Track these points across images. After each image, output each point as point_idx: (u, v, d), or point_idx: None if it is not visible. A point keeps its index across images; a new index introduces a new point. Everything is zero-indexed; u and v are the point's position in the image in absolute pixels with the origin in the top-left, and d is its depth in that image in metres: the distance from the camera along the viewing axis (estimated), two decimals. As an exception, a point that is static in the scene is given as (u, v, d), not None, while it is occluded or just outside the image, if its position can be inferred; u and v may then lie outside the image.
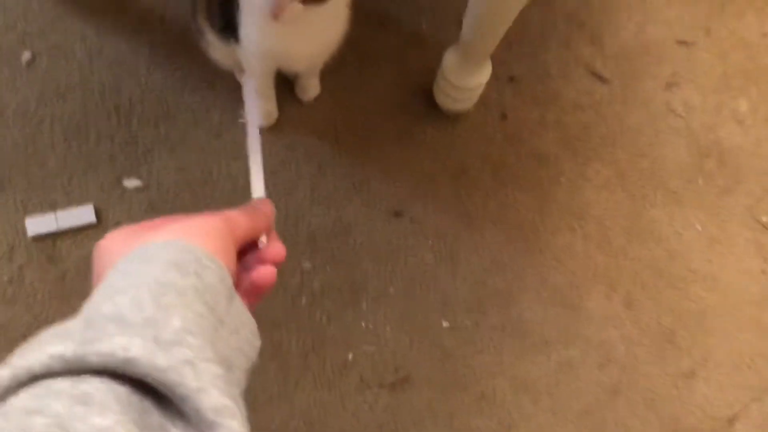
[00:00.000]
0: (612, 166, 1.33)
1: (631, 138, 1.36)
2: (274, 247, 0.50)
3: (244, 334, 0.42)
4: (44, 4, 1.27)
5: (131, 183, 1.18)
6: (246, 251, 0.48)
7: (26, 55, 1.23)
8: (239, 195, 1.20)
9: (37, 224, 1.13)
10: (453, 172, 1.28)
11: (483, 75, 1.19)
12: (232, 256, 0.44)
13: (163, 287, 0.37)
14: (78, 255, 1.13)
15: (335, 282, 1.17)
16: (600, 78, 1.39)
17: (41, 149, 1.18)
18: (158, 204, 1.18)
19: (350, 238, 1.21)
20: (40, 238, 1.13)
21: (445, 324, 1.18)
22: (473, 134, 1.31)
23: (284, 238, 1.15)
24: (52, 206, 1.15)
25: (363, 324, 1.16)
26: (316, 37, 1.00)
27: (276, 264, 0.48)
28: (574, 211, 1.29)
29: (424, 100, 1.32)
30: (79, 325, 0.34)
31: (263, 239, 0.49)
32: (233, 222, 0.46)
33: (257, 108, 0.64)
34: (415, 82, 1.33)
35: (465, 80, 1.19)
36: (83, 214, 1.15)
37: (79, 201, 1.16)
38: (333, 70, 1.27)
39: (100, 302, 0.36)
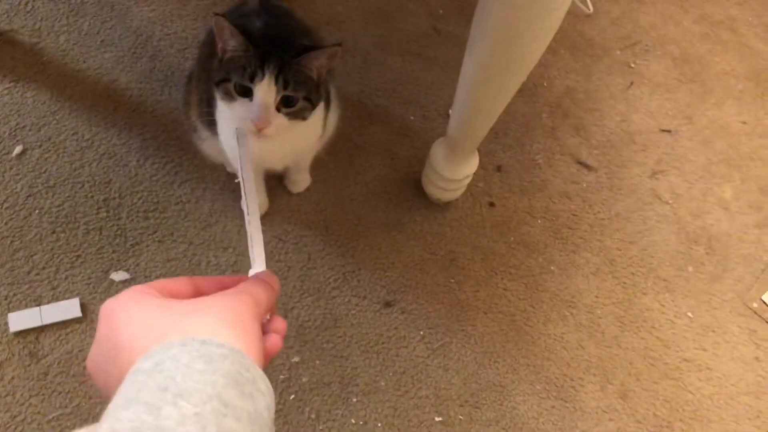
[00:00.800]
0: (602, 254, 1.33)
1: (620, 225, 1.37)
2: (277, 320, 0.52)
3: None
4: (38, 100, 1.29)
5: (119, 276, 1.17)
6: None
7: (18, 149, 1.24)
8: (228, 287, 1.19)
9: (21, 319, 1.11)
10: (443, 262, 1.28)
11: (470, 166, 1.21)
12: (257, 336, 0.44)
13: (225, 407, 0.36)
14: (62, 350, 1.11)
15: (324, 376, 1.15)
16: (586, 167, 1.41)
17: (28, 242, 1.17)
18: (145, 297, 1.16)
19: (340, 330, 1.19)
20: (22, 334, 1.11)
21: (437, 419, 1.15)
22: (462, 223, 1.32)
23: (273, 334, 1.13)
24: (37, 300, 1.13)
25: (353, 420, 1.12)
26: (288, 145, 1.01)
27: (281, 341, 0.51)
28: (566, 299, 1.28)
29: (413, 189, 1.33)
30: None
31: (266, 317, 0.52)
32: (259, 302, 0.47)
33: (253, 183, 0.65)
34: (404, 172, 1.34)
35: (452, 172, 1.20)
36: (69, 309, 1.13)
37: (64, 295, 1.14)
38: (323, 162, 1.29)
39: (159, 403, 0.34)
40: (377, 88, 1.43)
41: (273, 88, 0.86)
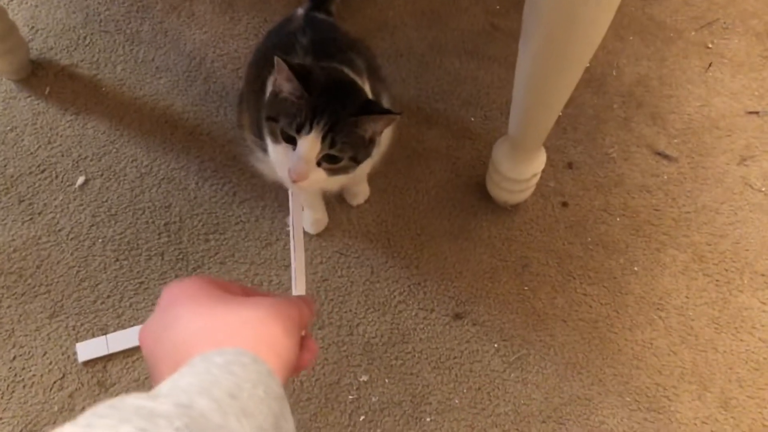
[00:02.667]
0: (690, 250, 1.22)
1: (708, 218, 1.25)
2: (311, 340, 0.53)
3: None
4: (98, 130, 1.31)
5: (181, 300, 1.15)
6: None
7: (80, 180, 1.25)
8: (291, 306, 1.15)
9: (88, 349, 1.11)
10: (515, 268, 1.20)
11: (537, 164, 1.13)
12: (298, 343, 0.48)
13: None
14: (129, 378, 1.10)
15: (395, 395, 1.09)
16: (666, 157, 1.31)
17: (93, 272, 1.17)
18: (208, 321, 1.14)
19: (408, 345, 1.13)
20: (91, 363, 1.10)
21: (518, 437, 1.07)
22: (533, 226, 1.24)
23: (338, 349, 1.09)
24: (103, 329, 1.13)
25: (428, 441, 1.06)
26: (334, 180, 0.92)
27: (311, 361, 0.53)
28: (653, 302, 1.18)
29: (477, 193, 1.26)
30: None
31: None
32: (303, 312, 0.50)
33: (301, 207, 0.62)
34: (467, 177, 1.28)
35: (518, 172, 1.13)
36: (134, 336, 1.12)
37: (129, 322, 1.14)
38: (382, 172, 1.24)
39: (228, 409, 0.37)
40: (434, 91, 1.37)
41: (318, 145, 0.81)
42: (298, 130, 0.81)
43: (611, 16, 0.81)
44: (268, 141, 0.91)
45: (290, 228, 0.63)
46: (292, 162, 0.82)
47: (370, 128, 0.86)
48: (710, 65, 1.42)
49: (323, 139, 0.81)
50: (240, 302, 0.46)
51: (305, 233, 1.22)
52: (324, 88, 0.85)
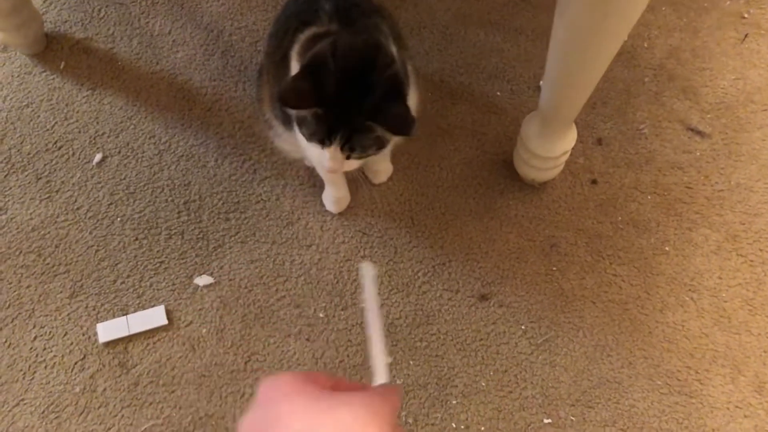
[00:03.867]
0: (723, 230, 1.19)
1: (742, 196, 1.21)
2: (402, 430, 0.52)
3: None
4: (115, 105, 1.28)
5: (203, 280, 1.13)
6: None
7: (97, 157, 1.23)
8: (312, 286, 1.13)
9: (109, 330, 1.09)
10: (542, 248, 1.17)
11: (568, 141, 1.09)
12: None
13: None
14: (151, 360, 1.08)
15: (420, 377, 1.07)
16: (699, 133, 1.26)
17: (112, 251, 1.16)
18: (230, 301, 1.12)
19: (433, 327, 1.11)
20: (111, 344, 1.09)
21: (546, 420, 1.05)
22: (562, 204, 1.20)
23: (362, 331, 1.07)
24: (124, 310, 1.11)
25: (454, 424, 1.04)
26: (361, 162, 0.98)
27: None
28: (685, 283, 1.14)
29: (504, 171, 1.23)
30: None
31: None
32: (396, 408, 0.48)
33: (376, 286, 0.61)
34: (494, 153, 1.24)
35: (548, 149, 1.09)
36: (155, 317, 1.10)
37: (150, 302, 1.12)
38: (405, 149, 1.21)
39: None
40: (459, 64, 1.33)
41: (340, 152, 0.87)
42: (320, 144, 0.87)
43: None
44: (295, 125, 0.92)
45: (365, 306, 0.60)
46: (324, 160, 0.90)
47: (382, 129, 0.87)
48: (746, 36, 1.36)
49: (343, 148, 0.87)
50: (337, 402, 0.45)
51: (329, 212, 1.19)
52: (337, 90, 0.84)
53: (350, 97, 0.84)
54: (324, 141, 0.86)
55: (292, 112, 0.90)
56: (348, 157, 0.89)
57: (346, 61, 0.85)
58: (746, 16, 1.39)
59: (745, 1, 1.40)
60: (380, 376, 0.55)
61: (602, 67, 0.91)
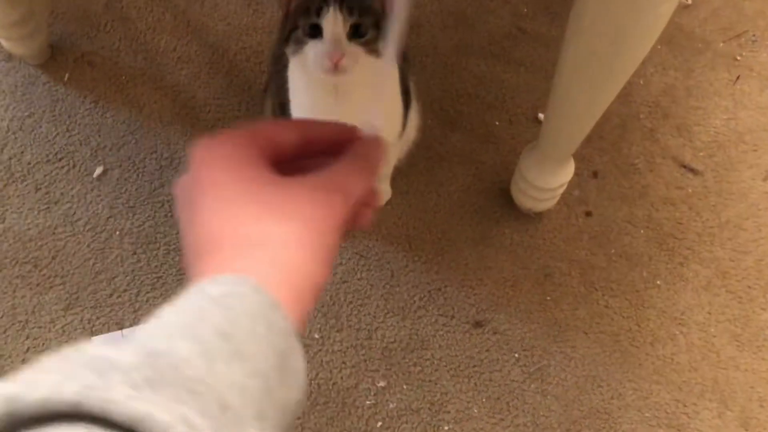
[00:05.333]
0: (713, 266, 1.21)
1: (732, 234, 1.24)
2: (374, 195, 0.46)
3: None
4: (117, 119, 1.28)
5: (199, 297, 1.13)
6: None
7: (98, 170, 1.23)
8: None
9: (103, 343, 1.09)
10: (537, 277, 1.19)
11: (565, 174, 1.12)
12: (336, 247, 0.40)
13: (268, 388, 0.34)
14: (143, 375, 1.08)
15: (413, 402, 1.08)
16: (691, 170, 1.29)
17: (110, 264, 1.16)
18: (226, 319, 1.12)
19: (428, 352, 1.12)
20: (105, 358, 1.09)
21: (536, 449, 1.06)
22: (557, 235, 1.22)
23: (357, 353, 1.08)
24: (119, 324, 1.11)
25: (445, 450, 1.05)
26: (368, 105, 0.94)
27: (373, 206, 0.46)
28: (675, 316, 1.17)
29: (500, 199, 1.25)
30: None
31: None
32: (350, 197, 0.42)
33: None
34: (491, 182, 1.26)
35: (546, 181, 1.12)
36: (150, 332, 1.10)
37: (146, 318, 1.12)
38: (404, 174, 1.23)
39: (216, 353, 0.32)
40: (459, 93, 1.35)
41: (340, 18, 0.82)
42: (318, 14, 0.82)
43: (661, 28, 0.79)
44: (297, 65, 0.88)
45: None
46: (326, 46, 0.82)
47: None
48: (738, 78, 1.40)
49: (341, 10, 0.81)
50: (266, 208, 0.39)
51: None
52: None
53: None
54: (322, 8, 0.81)
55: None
56: (349, 39, 0.83)
57: None
58: (738, 58, 1.43)
59: (738, 44, 1.44)
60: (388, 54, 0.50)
61: (606, 103, 0.93)
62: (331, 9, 0.81)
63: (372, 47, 0.85)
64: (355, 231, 0.44)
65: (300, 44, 0.85)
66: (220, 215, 0.38)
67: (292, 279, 0.38)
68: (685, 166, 1.30)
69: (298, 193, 0.40)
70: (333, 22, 0.81)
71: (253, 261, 0.37)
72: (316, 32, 0.83)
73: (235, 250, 0.37)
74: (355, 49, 0.84)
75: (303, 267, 0.38)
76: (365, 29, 0.83)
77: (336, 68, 0.82)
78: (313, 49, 0.84)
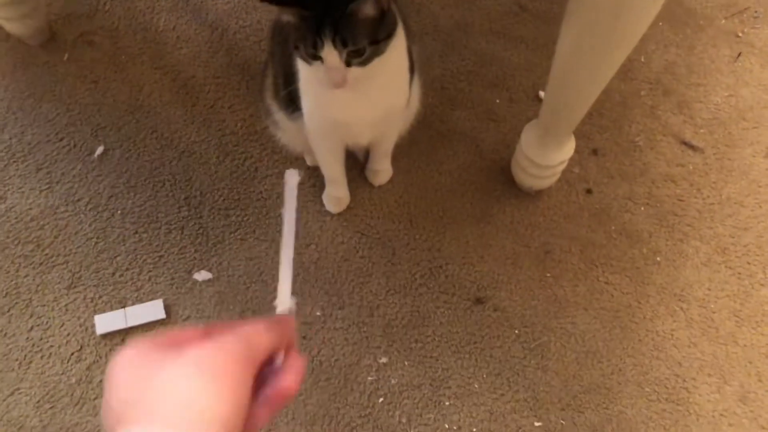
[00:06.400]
0: (713, 242, 1.22)
1: (732, 210, 1.24)
2: (293, 359, 0.48)
3: None
4: (118, 99, 1.28)
5: (201, 276, 1.14)
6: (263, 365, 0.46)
7: (99, 149, 1.24)
8: (310, 285, 1.15)
9: (107, 322, 1.10)
10: (537, 254, 1.19)
11: (566, 151, 1.12)
12: (247, 390, 0.42)
13: None
14: (147, 352, 1.09)
15: (414, 378, 1.09)
16: (692, 147, 1.29)
17: (111, 243, 1.16)
18: (228, 297, 1.13)
19: (429, 329, 1.13)
20: (109, 336, 1.10)
21: (537, 424, 1.07)
22: (557, 212, 1.23)
23: (359, 330, 1.09)
24: (122, 302, 1.12)
25: (446, 425, 1.06)
26: (372, 101, 0.96)
27: (296, 381, 0.47)
28: (675, 293, 1.17)
29: (501, 177, 1.25)
30: None
31: (281, 357, 0.47)
32: (255, 347, 0.44)
33: (296, 209, 0.59)
34: (491, 160, 1.26)
35: (547, 158, 1.12)
36: (153, 310, 1.11)
37: (148, 296, 1.13)
38: (405, 152, 1.23)
39: None
40: (459, 71, 1.35)
41: (335, 51, 0.84)
42: (315, 47, 0.84)
43: (658, 8, 0.79)
44: (304, 67, 0.91)
45: (283, 219, 0.57)
46: (328, 74, 0.86)
47: (369, 6, 0.84)
48: (740, 55, 1.40)
49: (335, 44, 0.84)
50: (158, 367, 0.41)
51: (329, 212, 1.20)
52: None
53: None
54: (316, 41, 0.84)
55: (284, 19, 0.88)
56: (348, 64, 0.86)
57: None
58: (740, 35, 1.42)
59: (740, 21, 1.44)
60: (282, 301, 0.52)
61: (606, 78, 0.93)
62: (326, 44, 0.84)
63: (372, 56, 0.87)
64: (278, 401, 0.45)
65: (305, 61, 0.88)
66: (130, 386, 0.41)
67: (197, 424, 0.39)
68: (685, 143, 1.30)
69: (192, 345, 0.42)
70: (330, 55, 0.84)
71: (162, 414, 0.39)
72: (317, 57, 0.86)
73: (142, 410, 0.39)
74: (355, 72, 0.87)
75: (211, 408, 0.39)
76: (362, 50, 0.86)
77: (341, 86, 0.87)
78: (317, 70, 0.87)
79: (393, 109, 1.02)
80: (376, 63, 0.88)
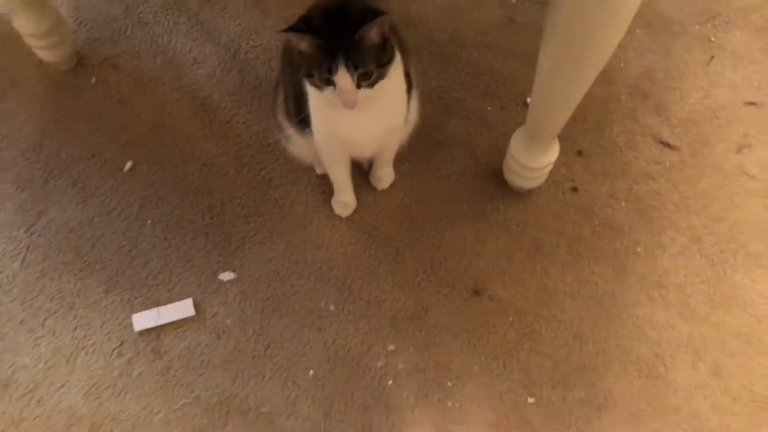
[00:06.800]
0: (688, 233, 1.33)
1: (705, 203, 1.36)
2: None
3: None
4: (142, 117, 1.41)
5: (226, 276, 1.27)
6: None
7: (128, 164, 1.36)
8: (323, 283, 1.27)
9: (143, 320, 1.23)
10: (528, 249, 1.31)
11: (551, 154, 1.24)
12: None
13: None
14: (181, 347, 1.22)
15: (419, 363, 1.21)
16: (668, 146, 1.41)
17: (144, 250, 1.29)
18: (250, 295, 1.26)
19: (431, 319, 1.25)
20: (145, 333, 1.22)
21: (531, 400, 1.19)
22: (546, 210, 1.35)
23: (368, 322, 1.22)
24: (156, 302, 1.25)
25: (449, 403, 1.18)
26: (375, 120, 1.09)
27: None
28: (654, 280, 1.29)
29: (494, 179, 1.37)
30: None
31: None
32: None
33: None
34: (485, 164, 1.39)
35: (534, 161, 1.24)
36: (183, 308, 1.24)
37: (179, 296, 1.25)
38: (406, 158, 1.35)
39: None
40: (454, 81, 1.47)
41: (347, 74, 0.96)
42: (329, 71, 0.96)
43: (630, 18, 0.89)
44: (316, 93, 1.03)
45: None
46: (342, 97, 0.99)
47: (372, 36, 0.97)
48: (712, 58, 1.51)
49: (347, 68, 0.96)
50: None
51: (336, 215, 1.33)
52: (326, 24, 0.96)
53: (339, 23, 0.96)
54: (330, 67, 0.95)
55: (298, 46, 0.99)
56: (358, 86, 0.98)
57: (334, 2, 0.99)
58: (713, 39, 1.54)
59: (713, 26, 1.55)
60: None
61: (581, 92, 1.05)
62: (341, 68, 0.96)
63: (378, 79, 1.00)
64: None
65: (318, 88, 1.01)
66: None
67: None
68: (663, 143, 1.42)
69: None
70: (343, 78, 0.97)
71: None
72: (329, 82, 0.98)
73: None
74: (365, 92, 1.00)
75: None
76: (370, 73, 0.99)
77: (353, 106, 1.00)
78: (330, 95, 1.00)
79: (392, 127, 1.14)
80: (379, 86, 1.01)
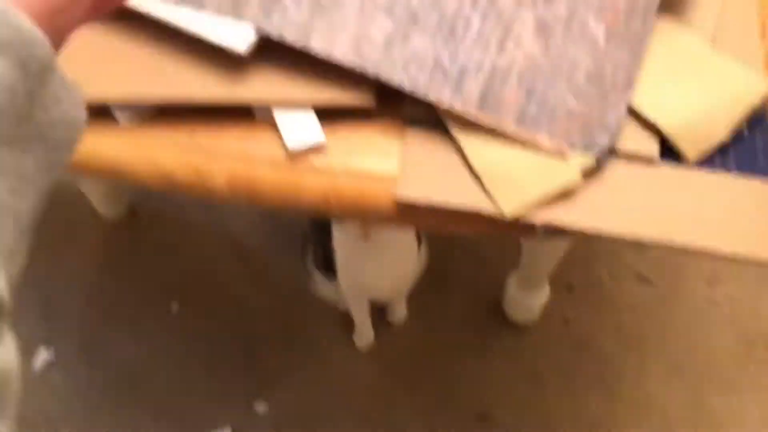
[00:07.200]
0: (669, 361, 1.51)
1: (683, 333, 1.54)
2: None
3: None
4: (188, 263, 1.62)
5: (261, 407, 1.44)
6: None
7: (174, 306, 1.56)
8: (345, 410, 1.44)
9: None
10: (528, 377, 1.49)
11: (542, 296, 1.44)
12: None
13: None
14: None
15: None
16: (646, 281, 1.61)
17: (189, 384, 1.47)
18: (284, 426, 1.42)
19: (443, 443, 1.41)
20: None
21: None
22: (541, 341, 1.53)
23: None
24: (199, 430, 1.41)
25: None
26: (393, 270, 1.26)
27: None
28: (641, 404, 1.46)
29: (496, 315, 1.56)
30: None
31: None
32: None
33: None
34: (487, 301, 1.58)
35: (527, 301, 1.44)
36: (223, 438, 1.40)
37: (219, 425, 1.42)
38: (416, 298, 1.54)
39: None
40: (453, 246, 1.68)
41: None
42: None
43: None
44: (339, 246, 1.19)
45: None
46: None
47: None
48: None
49: None
50: None
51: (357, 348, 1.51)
52: None
53: None
54: None
55: None
56: None
57: None
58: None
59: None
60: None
61: (560, 252, 1.26)
62: None
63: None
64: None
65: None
66: None
67: None
68: (641, 277, 1.62)
69: None
70: None
71: None
72: None
73: None
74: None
75: None
76: None
77: (367, 239, 1.16)
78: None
79: (408, 277, 1.34)
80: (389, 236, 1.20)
